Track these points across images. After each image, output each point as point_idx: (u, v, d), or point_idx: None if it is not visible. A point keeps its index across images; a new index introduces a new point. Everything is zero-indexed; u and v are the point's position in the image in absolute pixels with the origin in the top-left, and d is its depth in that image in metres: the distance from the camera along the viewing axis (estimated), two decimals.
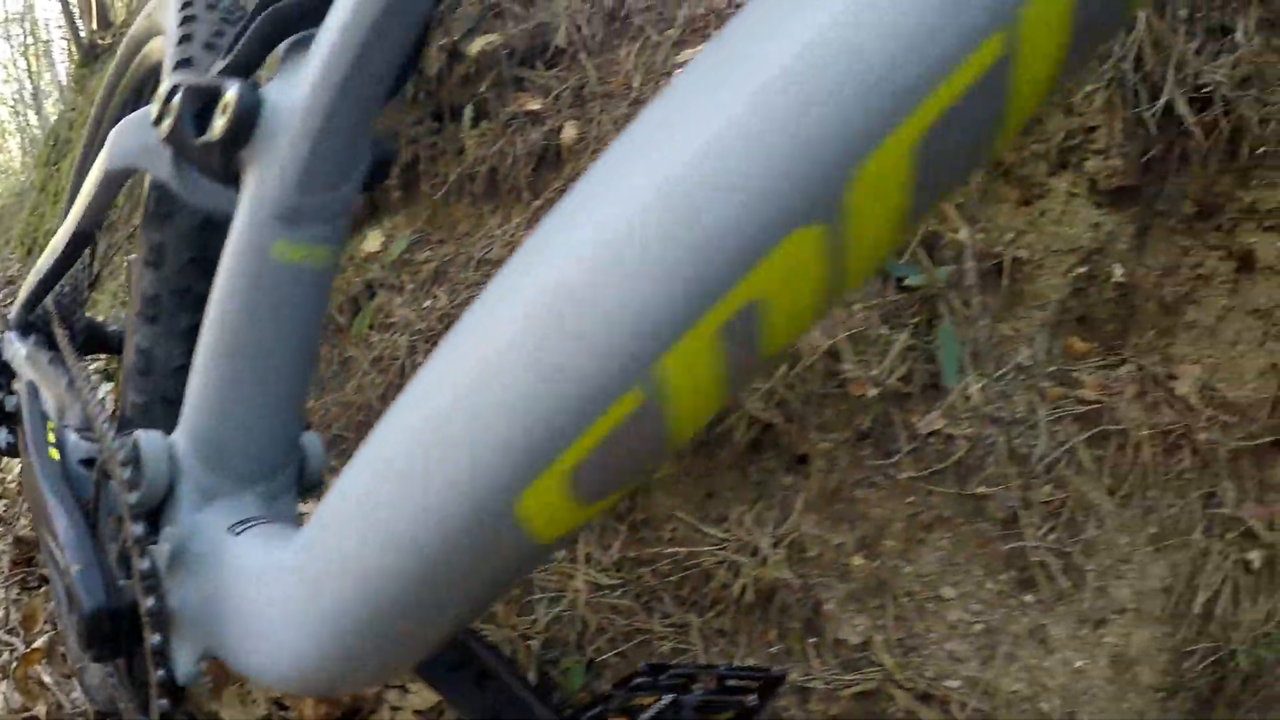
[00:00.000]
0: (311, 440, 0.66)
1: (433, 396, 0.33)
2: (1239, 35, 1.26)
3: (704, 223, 0.25)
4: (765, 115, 0.25)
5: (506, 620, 1.24)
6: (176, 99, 0.58)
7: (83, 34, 2.81)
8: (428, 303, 1.37)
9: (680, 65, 1.28)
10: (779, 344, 0.27)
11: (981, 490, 1.15)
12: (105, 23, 2.75)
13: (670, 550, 1.18)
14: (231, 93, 0.54)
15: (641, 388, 0.26)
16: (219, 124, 0.55)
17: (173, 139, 0.58)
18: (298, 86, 0.52)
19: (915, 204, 0.25)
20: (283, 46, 0.58)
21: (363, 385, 1.37)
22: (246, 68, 0.59)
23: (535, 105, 1.40)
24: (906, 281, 1.15)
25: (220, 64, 0.61)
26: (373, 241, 1.47)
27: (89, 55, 2.69)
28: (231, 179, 0.57)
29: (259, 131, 0.54)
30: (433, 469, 0.32)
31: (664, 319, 0.26)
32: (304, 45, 0.54)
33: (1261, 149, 1.25)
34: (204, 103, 0.57)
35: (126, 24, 2.35)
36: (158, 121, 0.60)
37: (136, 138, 0.75)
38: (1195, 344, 1.29)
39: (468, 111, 1.42)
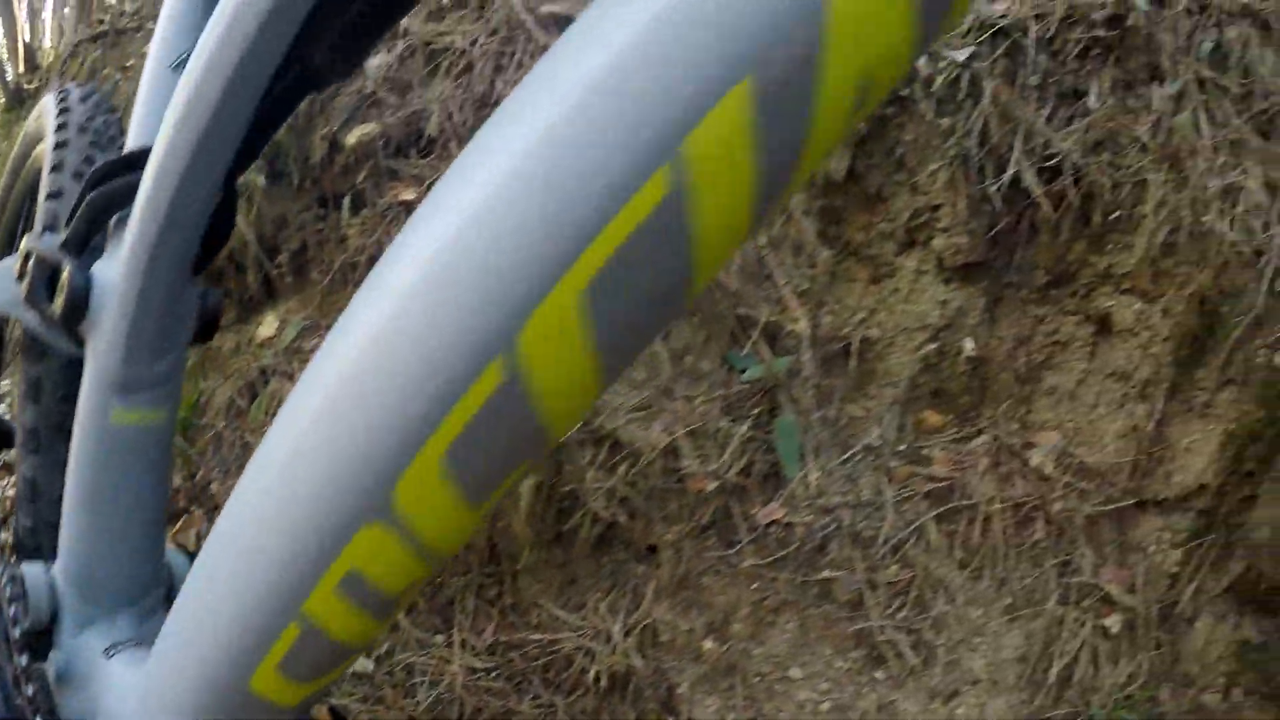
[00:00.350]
0: (177, 559, 0.74)
1: (202, 574, 0.40)
2: (1092, 99, 1.27)
3: (302, 504, 0.32)
4: (322, 426, 0.32)
5: (395, 703, 1.32)
6: (31, 264, 0.65)
7: (9, 77, 2.88)
8: None
9: None
10: (405, 585, 0.34)
11: (826, 574, 1.20)
12: (32, 66, 2.83)
13: (536, 636, 1.26)
14: (65, 274, 0.61)
15: (298, 622, 0.34)
16: (58, 302, 0.61)
17: (29, 300, 0.65)
18: (120, 264, 0.59)
19: (469, 500, 0.30)
20: (112, 222, 0.64)
21: None
22: (81, 244, 0.65)
23: (409, 195, 1.45)
24: (745, 375, 1.20)
25: (64, 234, 0.66)
26: (268, 326, 1.54)
27: (15, 99, 2.77)
28: (80, 344, 0.64)
29: (92, 307, 0.61)
30: (202, 636, 0.39)
31: (296, 577, 0.33)
32: (125, 222, 0.60)
33: (1115, 213, 1.27)
34: (52, 272, 0.63)
35: (54, 67, 2.45)
36: (20, 278, 0.66)
37: (4, 289, 0.81)
38: (1055, 409, 1.32)
39: (347, 201, 1.48)
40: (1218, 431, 1.28)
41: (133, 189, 0.59)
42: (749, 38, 0.23)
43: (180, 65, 0.77)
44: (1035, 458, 1.28)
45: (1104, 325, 1.30)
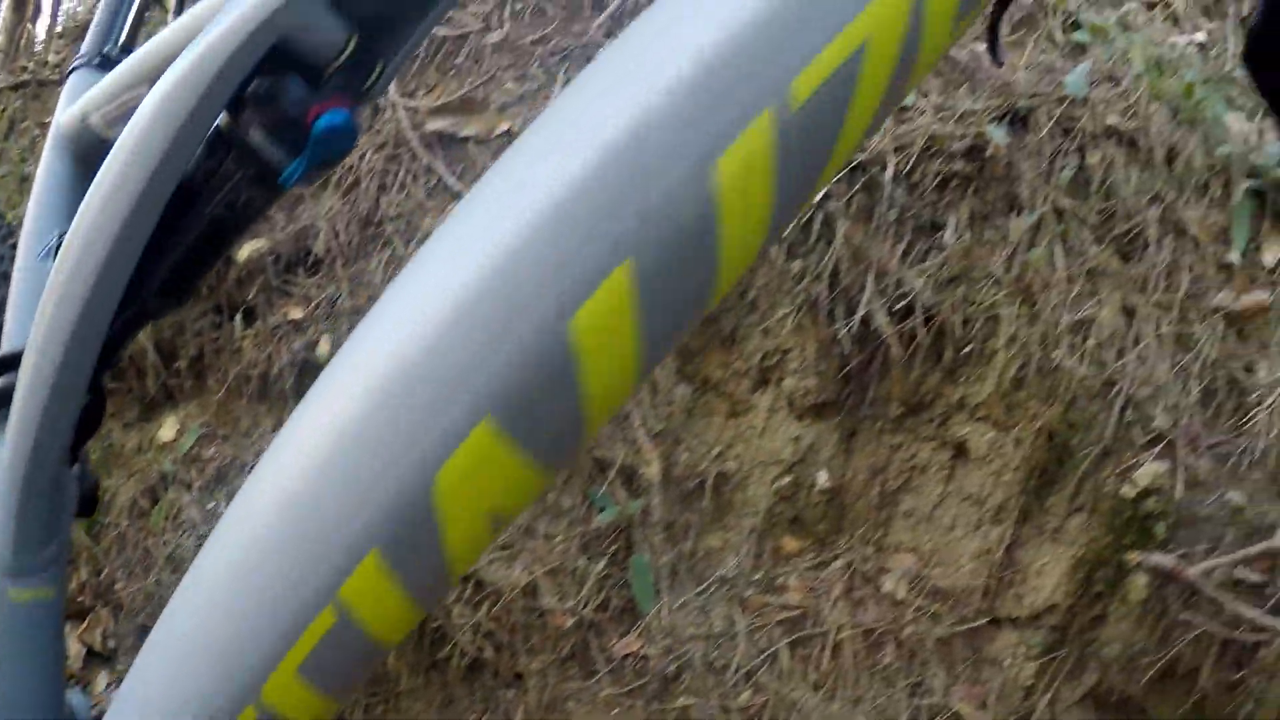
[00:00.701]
0: (78, 700, 0.86)
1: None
2: (948, 233, 1.35)
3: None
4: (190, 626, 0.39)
5: None
6: None
7: None
8: (210, 505, 1.56)
9: None
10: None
11: (681, 702, 1.32)
12: None
13: None
14: None
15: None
16: None
17: None
18: (1, 461, 0.67)
19: (326, 701, 0.37)
20: None
21: (161, 581, 1.57)
22: None
23: (298, 314, 1.55)
24: (601, 516, 1.30)
25: None
26: (168, 429, 1.65)
27: None
28: None
29: None
30: None
31: None
32: (4, 421, 0.69)
33: (968, 347, 1.35)
34: None
35: None
36: None
37: None
38: (912, 531, 1.42)
39: (240, 316, 1.57)
40: (1067, 556, 1.38)
41: (10, 389, 0.67)
42: (376, 511, 0.29)
43: (48, 255, 0.87)
44: (888, 583, 1.38)
45: (960, 450, 1.40)
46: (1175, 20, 1.67)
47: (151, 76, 0.61)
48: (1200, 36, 1.65)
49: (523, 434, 0.28)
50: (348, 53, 0.54)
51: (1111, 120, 1.45)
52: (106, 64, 0.90)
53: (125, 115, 0.64)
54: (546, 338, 0.28)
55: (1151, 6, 1.68)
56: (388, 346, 0.31)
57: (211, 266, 0.67)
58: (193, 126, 0.47)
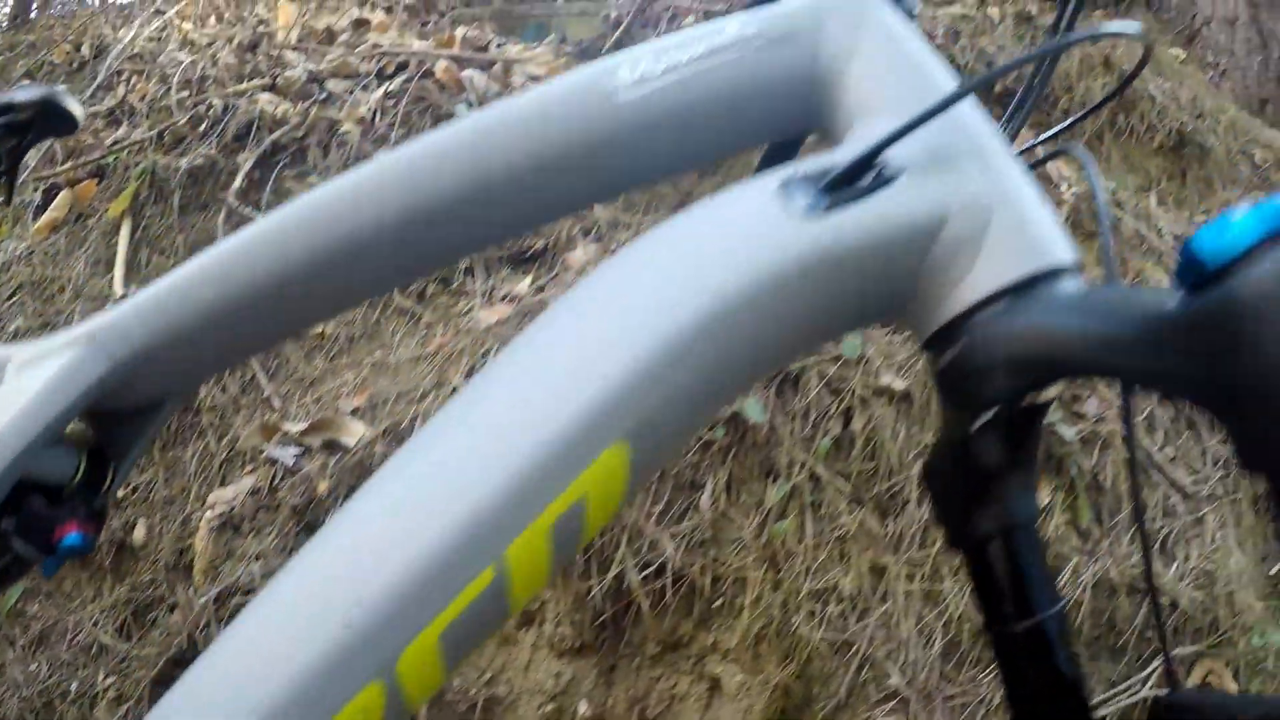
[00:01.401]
0: None
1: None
2: (705, 497, 1.56)
3: None
4: None
5: None
6: None
7: None
8: (33, 667, 1.80)
9: (217, 501, 1.63)
10: None
11: None
12: None
13: None
14: None
15: None
16: None
17: None
18: None
19: None
20: None
21: None
22: None
23: (118, 492, 1.76)
24: None
25: None
26: None
27: None
28: None
29: None
30: None
31: None
32: None
33: (718, 600, 1.57)
34: None
35: None
36: None
37: None
38: None
39: None
40: None
41: None
42: None
43: None
44: None
45: (716, 684, 1.63)
46: None
47: None
48: None
49: None
50: (79, 475, 0.77)
51: (885, 379, 1.64)
52: None
53: None
54: None
55: None
56: None
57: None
58: None
